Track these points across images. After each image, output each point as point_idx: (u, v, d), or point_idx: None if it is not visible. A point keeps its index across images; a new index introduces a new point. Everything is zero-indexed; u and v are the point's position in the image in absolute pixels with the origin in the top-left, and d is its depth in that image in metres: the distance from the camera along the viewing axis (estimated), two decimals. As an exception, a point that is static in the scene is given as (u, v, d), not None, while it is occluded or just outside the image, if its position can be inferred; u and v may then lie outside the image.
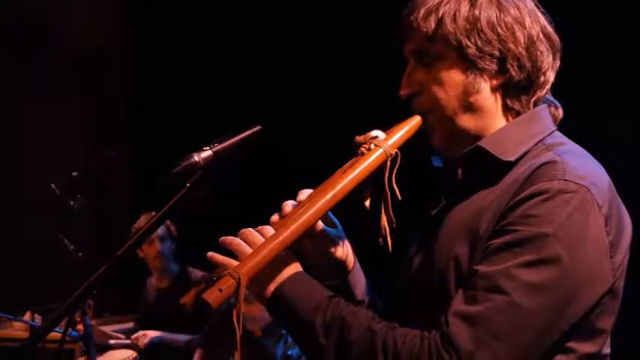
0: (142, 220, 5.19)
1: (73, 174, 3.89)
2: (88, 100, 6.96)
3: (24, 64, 6.51)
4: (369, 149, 1.72)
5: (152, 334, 5.07)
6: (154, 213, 1.69)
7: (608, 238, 1.58)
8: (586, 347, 1.60)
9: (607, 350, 1.67)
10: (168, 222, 5.27)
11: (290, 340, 4.36)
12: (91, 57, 6.93)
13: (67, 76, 6.68)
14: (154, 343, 5.06)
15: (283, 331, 4.37)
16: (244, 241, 1.65)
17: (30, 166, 6.50)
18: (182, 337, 5.15)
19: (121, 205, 7.07)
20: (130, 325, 5.80)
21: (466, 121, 1.73)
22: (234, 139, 1.73)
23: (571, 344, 1.58)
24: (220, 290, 1.51)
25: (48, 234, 4.28)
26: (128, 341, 5.17)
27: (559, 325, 1.53)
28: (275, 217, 1.73)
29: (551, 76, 1.77)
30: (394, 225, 1.74)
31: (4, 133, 6.50)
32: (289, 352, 4.32)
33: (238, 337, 1.53)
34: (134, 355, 4.81)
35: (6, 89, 6.35)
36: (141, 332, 5.12)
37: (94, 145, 6.73)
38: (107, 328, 5.50)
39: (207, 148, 1.70)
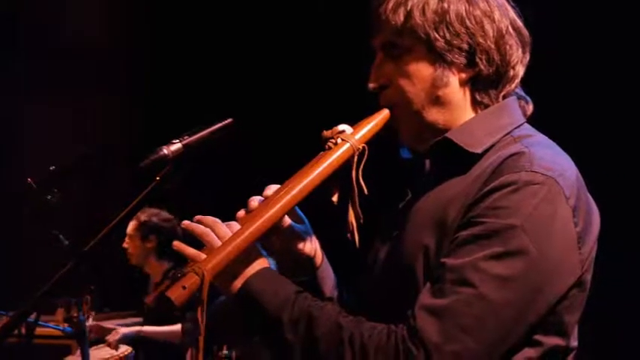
0: (149, 213, 5.20)
1: (50, 168, 3.88)
2: (92, 99, 6.94)
3: (27, 63, 6.52)
4: (335, 144, 1.71)
5: (124, 330, 5.01)
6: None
7: (576, 229, 1.57)
8: (553, 340, 1.60)
9: (574, 343, 1.66)
10: (146, 216, 5.20)
11: None
12: (93, 56, 6.91)
13: (72, 75, 6.67)
14: (127, 339, 5.00)
15: None
16: (214, 233, 1.65)
17: (35, 166, 6.49)
18: (163, 329, 5.08)
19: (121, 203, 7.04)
20: (134, 320, 5.78)
21: (434, 115, 1.72)
22: (204, 132, 1.72)
23: (538, 337, 1.58)
24: (184, 287, 1.50)
25: (42, 230, 4.28)
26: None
27: (527, 317, 1.53)
28: (241, 213, 1.71)
29: (520, 70, 1.76)
30: (362, 220, 1.73)
31: (8, 131, 6.51)
32: None
33: (202, 336, 1.52)
34: (128, 351, 4.82)
35: (9, 88, 6.36)
36: (114, 330, 5.06)
37: (97, 144, 6.73)
38: (108, 324, 5.47)
39: (177, 140, 1.70)
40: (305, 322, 1.58)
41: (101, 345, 4.91)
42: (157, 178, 1.68)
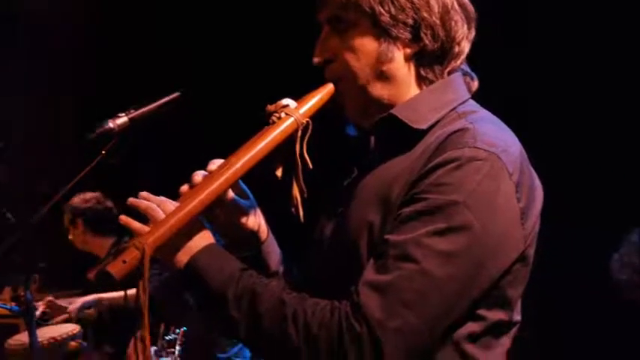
0: (75, 200, 5.12)
1: None
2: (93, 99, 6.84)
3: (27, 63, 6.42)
4: (279, 118, 1.70)
5: (83, 298, 4.95)
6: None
7: (519, 204, 1.57)
8: (497, 314, 1.61)
9: (517, 317, 1.68)
10: (70, 203, 5.14)
11: None
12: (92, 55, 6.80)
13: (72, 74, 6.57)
14: (88, 305, 4.94)
15: None
16: (160, 208, 1.63)
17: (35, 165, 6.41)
18: (121, 293, 5.02)
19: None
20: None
21: (379, 90, 1.72)
22: (150, 106, 1.72)
23: (482, 311, 1.58)
24: (124, 262, 1.49)
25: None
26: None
27: (470, 292, 1.53)
28: (185, 188, 1.69)
29: (466, 47, 1.76)
30: (305, 195, 1.73)
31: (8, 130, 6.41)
32: None
33: (145, 312, 1.51)
34: (77, 329, 4.77)
35: (9, 88, 6.27)
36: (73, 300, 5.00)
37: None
38: (61, 302, 5.40)
39: (123, 114, 1.68)
40: (248, 298, 1.57)
41: (49, 323, 4.85)
42: (103, 152, 1.67)
